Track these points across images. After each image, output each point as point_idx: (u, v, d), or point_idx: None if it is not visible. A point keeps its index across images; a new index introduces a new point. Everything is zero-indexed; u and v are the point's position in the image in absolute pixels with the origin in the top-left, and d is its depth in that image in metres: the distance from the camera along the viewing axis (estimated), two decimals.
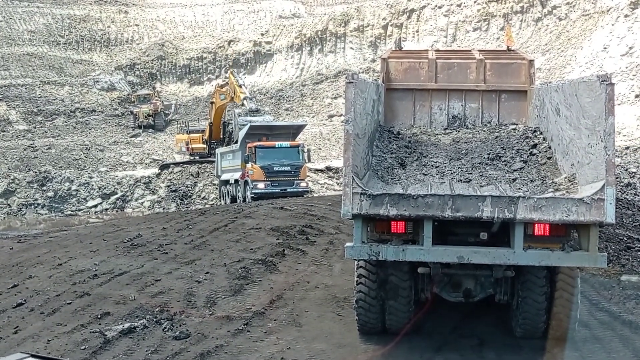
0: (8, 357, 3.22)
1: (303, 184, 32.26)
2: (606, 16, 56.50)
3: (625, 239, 16.94)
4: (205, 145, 42.57)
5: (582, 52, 54.82)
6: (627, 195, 25.41)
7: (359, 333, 9.52)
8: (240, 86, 37.68)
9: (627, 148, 35.38)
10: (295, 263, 13.95)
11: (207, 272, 12.91)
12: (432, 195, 7.94)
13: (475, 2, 63.97)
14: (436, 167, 10.19)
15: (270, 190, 31.10)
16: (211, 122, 41.23)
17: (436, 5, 65.45)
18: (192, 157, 44.76)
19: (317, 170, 40.70)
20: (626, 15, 55.08)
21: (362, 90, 8.92)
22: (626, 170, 29.58)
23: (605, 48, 53.70)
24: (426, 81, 12.92)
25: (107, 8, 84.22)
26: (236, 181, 33.88)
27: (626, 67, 48.41)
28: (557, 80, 40.12)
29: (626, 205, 21.74)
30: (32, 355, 3.26)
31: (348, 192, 7.95)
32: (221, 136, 40.04)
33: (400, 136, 11.47)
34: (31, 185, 42.68)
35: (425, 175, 9.79)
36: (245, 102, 36.07)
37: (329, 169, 41.32)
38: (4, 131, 61.12)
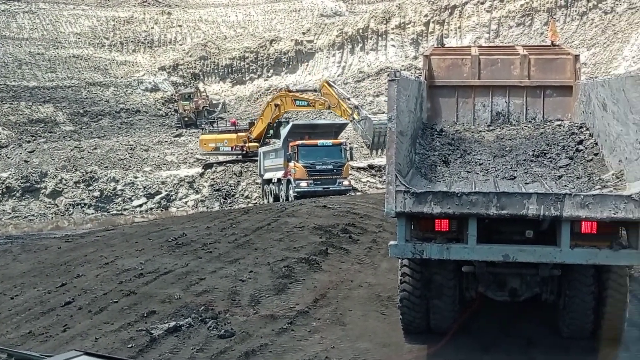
0: (62, 354, 3.30)
1: (346, 183, 32.27)
2: None
3: None
4: (257, 144, 42.45)
5: (629, 47, 53.71)
6: None
7: (404, 332, 9.47)
8: (348, 99, 36.57)
9: None
10: (339, 262, 13.94)
11: (251, 271, 12.98)
12: (477, 192, 7.85)
13: None
14: (480, 164, 10.08)
15: (313, 189, 31.18)
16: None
17: (478, 1, 64.81)
18: (237, 157, 45.05)
19: (359, 168, 40.64)
20: None
21: (404, 88, 8.86)
22: None
23: None
24: (469, 78, 12.77)
25: (150, 9, 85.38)
26: (279, 180, 34.06)
27: None
28: (603, 75, 39.36)
29: None
30: (86, 353, 3.33)
31: (391, 190, 7.90)
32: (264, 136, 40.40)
33: (443, 133, 11.37)
34: (78, 185, 43.48)
35: (469, 172, 9.69)
36: (355, 114, 34.73)
37: (371, 167, 41.24)
38: (51, 132, 62.43)
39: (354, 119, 34.90)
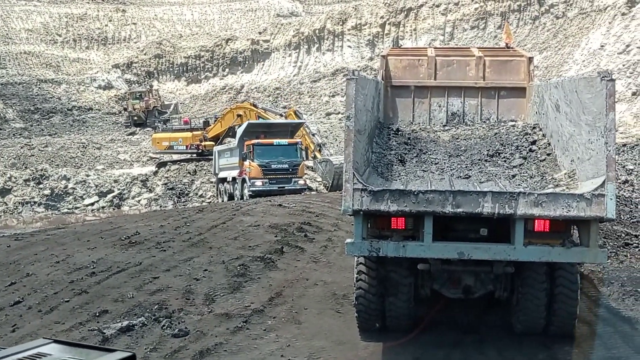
0: (30, 342, 3.23)
1: (301, 182, 32.23)
2: (603, 14, 56.52)
3: (623, 235, 16.93)
4: (213, 143, 42.37)
5: (579, 51, 54.84)
6: (624, 192, 25.39)
7: (359, 330, 9.49)
8: (313, 135, 37.06)
9: (624, 145, 35.36)
10: (294, 260, 13.91)
11: (206, 270, 12.87)
12: (433, 191, 7.92)
13: (472, 0, 63.99)
14: (436, 163, 10.17)
15: (268, 188, 31.07)
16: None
17: (434, 4, 65.46)
18: (192, 155, 44.81)
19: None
20: (623, 14, 55.10)
21: (362, 87, 8.89)
22: (623, 167, 29.56)
23: (602, 46, 53.72)
24: (425, 78, 12.89)
25: (105, 6, 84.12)
26: (234, 179, 33.85)
27: (623, 65, 48.43)
28: (555, 78, 40.11)
29: (624, 202, 21.74)
30: (55, 341, 3.26)
31: (349, 188, 7.92)
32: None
33: (399, 133, 11.45)
34: (28, 183, 42.55)
35: (425, 171, 9.77)
36: (317, 152, 35.61)
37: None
38: (1, 129, 61.06)
39: (315, 156, 35.07)
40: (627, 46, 52.54)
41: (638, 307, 10.86)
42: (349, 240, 8.34)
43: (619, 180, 27.46)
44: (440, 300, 9.67)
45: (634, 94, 48.22)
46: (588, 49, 54.37)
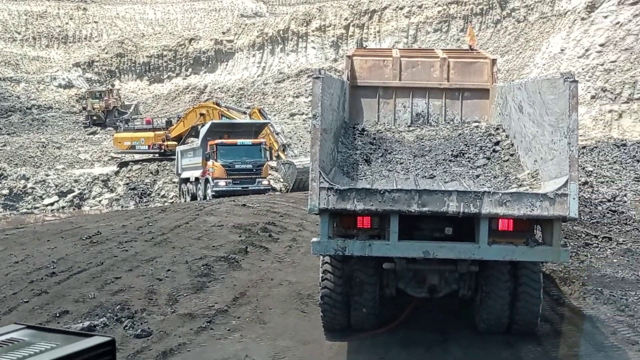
0: (3, 327, 3.12)
1: (265, 182, 32.12)
2: (563, 19, 57.44)
3: (583, 235, 17.20)
4: (176, 143, 42.06)
5: (540, 54, 55.65)
6: (584, 193, 25.81)
7: (324, 329, 9.47)
8: (277, 134, 36.88)
9: (584, 147, 35.96)
10: (259, 260, 13.85)
11: (169, 270, 12.73)
12: (399, 190, 7.94)
13: (435, 3, 64.53)
14: (401, 163, 10.20)
15: (232, 188, 30.91)
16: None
17: (397, 7, 65.85)
18: (154, 155, 44.43)
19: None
20: (583, 19, 56.06)
21: (328, 86, 8.88)
22: (583, 169, 30.04)
23: (562, 50, 54.59)
24: (390, 79, 12.94)
25: (65, 4, 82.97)
26: (197, 179, 33.62)
27: (582, 69, 49.26)
28: (518, 80, 40.64)
29: (583, 203, 22.08)
30: (28, 326, 3.16)
31: (315, 187, 7.89)
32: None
33: (365, 133, 11.46)
34: None
35: (390, 171, 9.79)
36: (282, 152, 35.53)
37: None
38: None
39: (278, 156, 34.94)
40: (587, 50, 53.47)
41: (598, 306, 11.02)
42: (314, 239, 8.31)
43: (579, 182, 27.90)
44: (405, 299, 9.70)
45: (593, 97, 49.08)
46: (549, 52, 55.20)
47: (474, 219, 8.07)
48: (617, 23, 53.84)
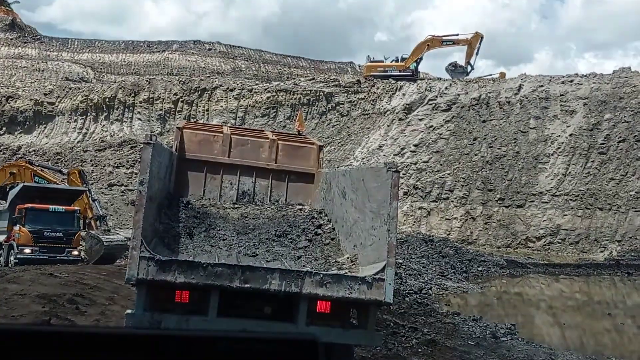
0: None
1: (75, 252, 30.41)
2: (383, 118, 61.04)
3: (392, 324, 17.84)
4: None
5: (360, 148, 58.47)
6: (394, 284, 26.92)
7: None
8: (94, 201, 34.75)
9: (396, 240, 37.79)
10: None
11: None
12: (222, 264, 7.85)
13: (265, 89, 66.25)
14: (224, 239, 10.15)
15: (38, 257, 28.97)
16: None
17: (228, 88, 66.84)
18: None
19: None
20: (400, 119, 59.90)
21: (158, 154, 8.74)
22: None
23: (380, 147, 57.73)
24: (219, 155, 13.00)
25: None
26: (0, 244, 31.29)
27: (398, 166, 52.22)
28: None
29: (393, 293, 23.00)
30: None
31: (135, 255, 7.60)
32: None
33: (189, 206, 11.34)
34: None
35: (213, 247, 9.70)
36: (94, 222, 33.17)
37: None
38: None
39: (89, 224, 33.20)
40: (402, 149, 56.94)
41: None
42: (129, 311, 7.96)
43: (395, 269, 29.05)
44: None
45: (405, 193, 51.98)
46: (368, 147, 58.13)
47: (292, 300, 8.12)
48: (431, 127, 58.05)
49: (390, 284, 7.98)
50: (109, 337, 1.41)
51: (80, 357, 1.36)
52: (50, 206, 30.65)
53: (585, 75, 60.47)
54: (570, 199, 51.19)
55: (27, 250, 29.32)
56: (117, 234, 32.93)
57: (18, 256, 29.10)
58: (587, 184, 51.71)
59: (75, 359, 1.36)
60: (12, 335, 1.39)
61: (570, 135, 54.80)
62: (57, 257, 29.20)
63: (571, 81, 59.44)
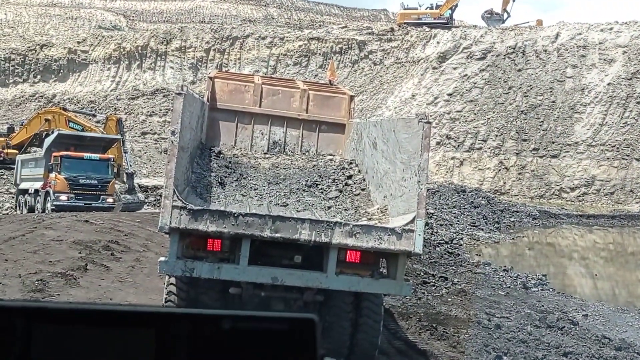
0: None
1: (110, 200, 30.93)
2: (417, 66, 60.30)
3: (422, 274, 17.94)
4: (17, 151, 39.41)
5: (392, 98, 57.99)
6: (424, 234, 26.99)
7: None
8: (126, 153, 34.68)
9: (427, 190, 37.77)
10: (99, 279, 13.28)
11: None
12: (253, 214, 7.91)
13: (297, 37, 65.76)
14: (255, 189, 10.21)
15: (74, 204, 29.51)
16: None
17: (260, 36, 66.48)
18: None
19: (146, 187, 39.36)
20: (434, 68, 59.14)
21: (189, 104, 8.76)
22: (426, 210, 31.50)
23: (413, 96, 57.19)
24: (250, 105, 12.98)
25: None
26: (36, 191, 31.87)
27: (430, 116, 51.81)
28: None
29: (423, 243, 23.09)
30: None
31: (168, 204, 7.69)
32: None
33: (221, 156, 11.40)
34: None
35: (244, 196, 9.76)
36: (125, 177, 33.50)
37: (139, 186, 40.05)
38: None
39: (118, 175, 33.45)
40: (435, 98, 56.35)
41: (433, 342, 11.48)
42: (162, 258, 8.08)
43: (425, 220, 29.13)
44: None
45: (437, 143, 51.65)
46: (400, 97, 57.63)
47: (322, 249, 8.18)
48: (465, 75, 57.25)
49: (420, 235, 7.99)
50: (111, 314, 1.45)
51: (82, 334, 1.39)
52: (85, 154, 31.04)
53: (626, 23, 58.93)
54: (607, 149, 50.47)
55: (63, 197, 29.85)
56: (137, 195, 33.41)
57: (54, 203, 29.65)
58: (624, 134, 50.87)
59: (77, 335, 1.39)
60: (18, 312, 1.42)
61: (608, 84, 53.72)
62: (92, 205, 29.70)
63: (610, 29, 58.01)
